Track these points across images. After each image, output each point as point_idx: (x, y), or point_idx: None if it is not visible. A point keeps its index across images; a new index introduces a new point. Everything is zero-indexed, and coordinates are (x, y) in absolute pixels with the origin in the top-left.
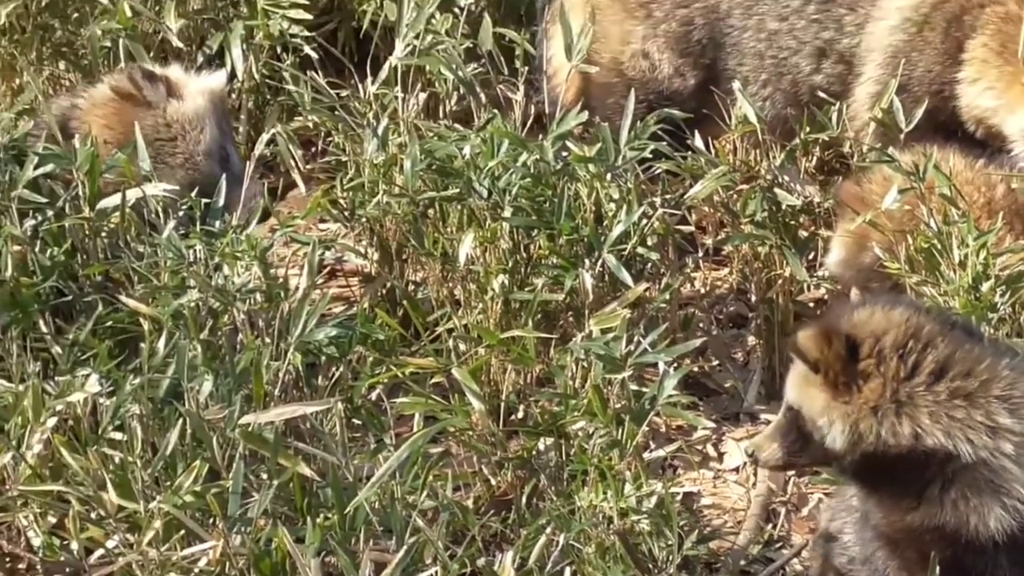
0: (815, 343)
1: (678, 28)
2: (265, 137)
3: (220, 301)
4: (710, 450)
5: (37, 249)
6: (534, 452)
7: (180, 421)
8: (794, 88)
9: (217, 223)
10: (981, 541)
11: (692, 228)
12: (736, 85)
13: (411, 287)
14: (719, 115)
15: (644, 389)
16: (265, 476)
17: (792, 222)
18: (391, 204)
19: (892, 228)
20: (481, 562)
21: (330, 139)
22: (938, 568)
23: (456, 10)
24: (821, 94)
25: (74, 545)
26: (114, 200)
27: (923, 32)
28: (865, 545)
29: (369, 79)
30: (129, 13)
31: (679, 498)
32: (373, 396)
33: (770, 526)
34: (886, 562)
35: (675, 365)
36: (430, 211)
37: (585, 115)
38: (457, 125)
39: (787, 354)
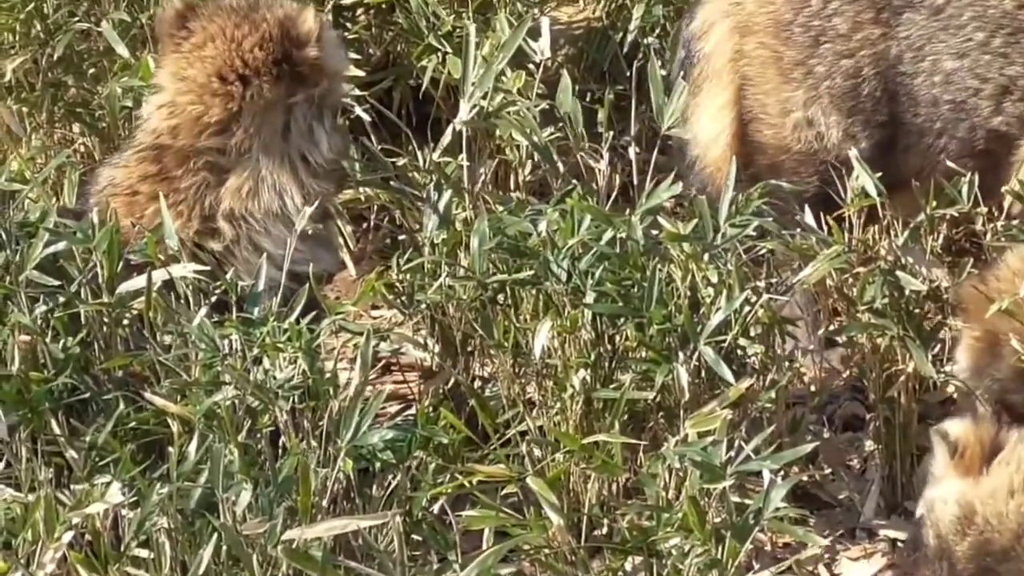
0: (967, 429)
1: (844, 84)
2: (309, 211)
3: (260, 399)
4: (822, 571)
5: (49, 339)
6: (621, 573)
7: (214, 536)
8: (971, 135)
9: (256, 310)
10: None
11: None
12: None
13: (478, 384)
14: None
15: (747, 501)
16: None
17: (916, 310)
18: (455, 288)
19: None
20: None
21: (385, 214)
22: None
23: (531, 66)
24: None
25: None
26: (137, 283)
27: None
28: None
29: (430, 145)
30: (153, 68)
31: None
32: (436, 508)
33: None
34: None
35: (782, 474)
36: (500, 296)
37: (679, 187)
38: (531, 198)
39: (909, 460)
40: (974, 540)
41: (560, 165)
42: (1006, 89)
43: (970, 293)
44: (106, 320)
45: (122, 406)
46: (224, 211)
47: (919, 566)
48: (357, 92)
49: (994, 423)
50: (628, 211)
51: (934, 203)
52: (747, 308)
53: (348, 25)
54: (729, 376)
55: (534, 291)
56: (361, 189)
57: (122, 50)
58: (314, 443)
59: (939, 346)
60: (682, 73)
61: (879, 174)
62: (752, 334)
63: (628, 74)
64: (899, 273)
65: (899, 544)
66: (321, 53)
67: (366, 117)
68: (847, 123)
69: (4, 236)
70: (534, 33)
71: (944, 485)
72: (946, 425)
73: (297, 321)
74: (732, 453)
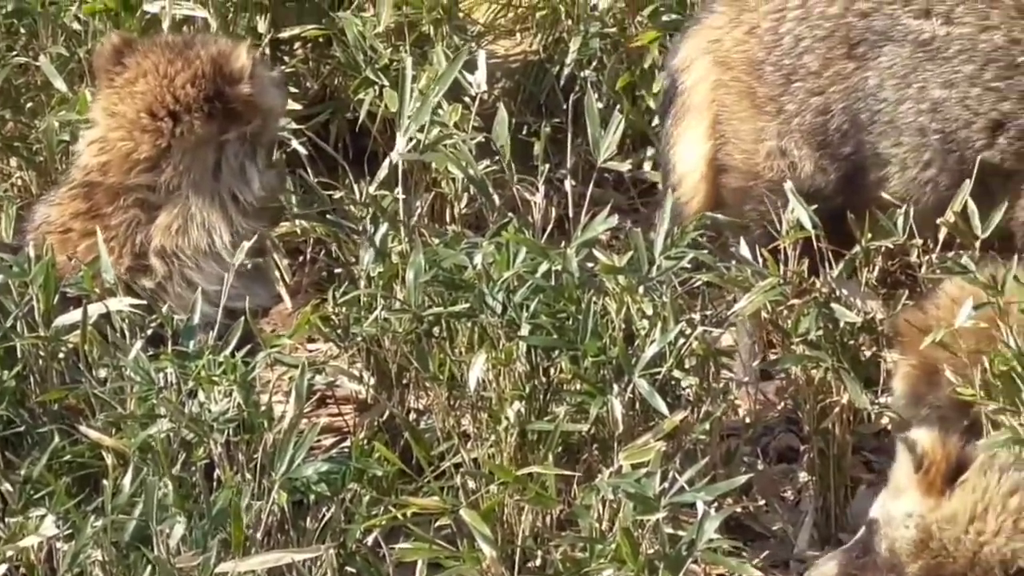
0: (933, 439)
1: (814, 120)
2: (247, 245)
3: (194, 432)
4: None
5: None
6: None
7: (148, 569)
8: (961, 164)
9: (191, 343)
10: None
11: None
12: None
13: (413, 416)
14: (866, 208)
15: (681, 532)
16: None
17: (851, 342)
18: (391, 321)
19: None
20: None
21: (321, 247)
22: None
23: (467, 99)
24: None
25: None
26: (73, 316)
27: None
28: None
29: (366, 178)
30: (89, 103)
31: None
32: (369, 540)
33: None
34: None
35: (716, 505)
36: (436, 329)
37: (615, 219)
38: (467, 231)
39: (846, 490)
40: (927, 563)
41: (496, 198)
42: (999, 124)
43: (907, 323)
44: (42, 353)
45: (57, 439)
46: (155, 248)
47: (867, 570)
48: (294, 125)
49: (962, 438)
50: (563, 244)
51: (869, 235)
52: (682, 340)
53: (285, 59)
54: (663, 408)
55: (469, 324)
56: (297, 222)
57: (60, 84)
58: (248, 476)
59: (874, 378)
60: (667, 101)
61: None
62: (687, 366)
63: (564, 107)
64: (834, 305)
65: None
66: (254, 90)
67: (303, 150)
68: (815, 157)
69: None
70: (471, 66)
71: (905, 500)
72: (914, 434)
73: (232, 354)
74: (666, 485)
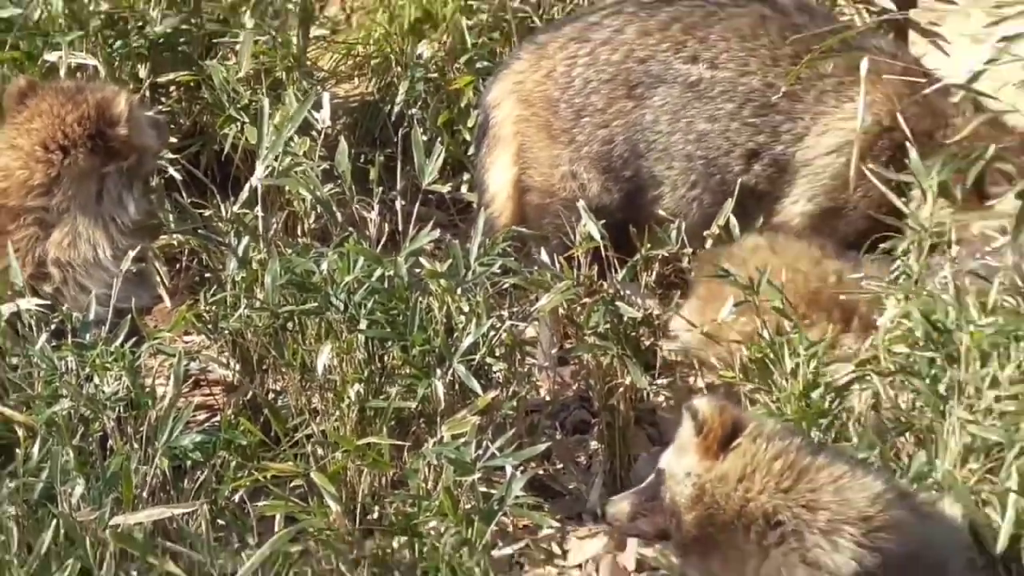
0: (712, 407)
1: (600, 149)
2: (132, 254)
3: (91, 409)
4: (555, 548)
5: None
6: (389, 551)
7: (54, 522)
8: (722, 186)
9: (87, 336)
10: None
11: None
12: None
13: (272, 396)
14: (646, 222)
15: (492, 491)
16: (135, 575)
17: (633, 333)
18: (252, 318)
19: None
20: None
21: (194, 256)
22: None
23: (313, 133)
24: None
25: None
26: None
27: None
28: None
29: (231, 199)
30: None
31: None
32: (236, 498)
33: None
34: None
35: (522, 468)
36: (289, 324)
37: (436, 233)
38: (315, 243)
39: (626, 457)
40: (701, 513)
41: (338, 215)
42: (755, 153)
43: (708, 257)
44: None
45: None
46: (52, 259)
47: (655, 512)
48: (170, 155)
49: (736, 407)
50: (395, 253)
51: (648, 245)
52: (493, 332)
53: (163, 99)
54: (478, 389)
55: (317, 319)
56: (174, 236)
57: None
58: (136, 445)
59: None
60: (479, 135)
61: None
62: (497, 354)
63: (395, 139)
64: (619, 303)
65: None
66: (130, 132)
67: (178, 176)
68: (601, 179)
69: None
70: (317, 106)
71: (686, 460)
72: (697, 403)
73: (121, 345)
74: (480, 452)
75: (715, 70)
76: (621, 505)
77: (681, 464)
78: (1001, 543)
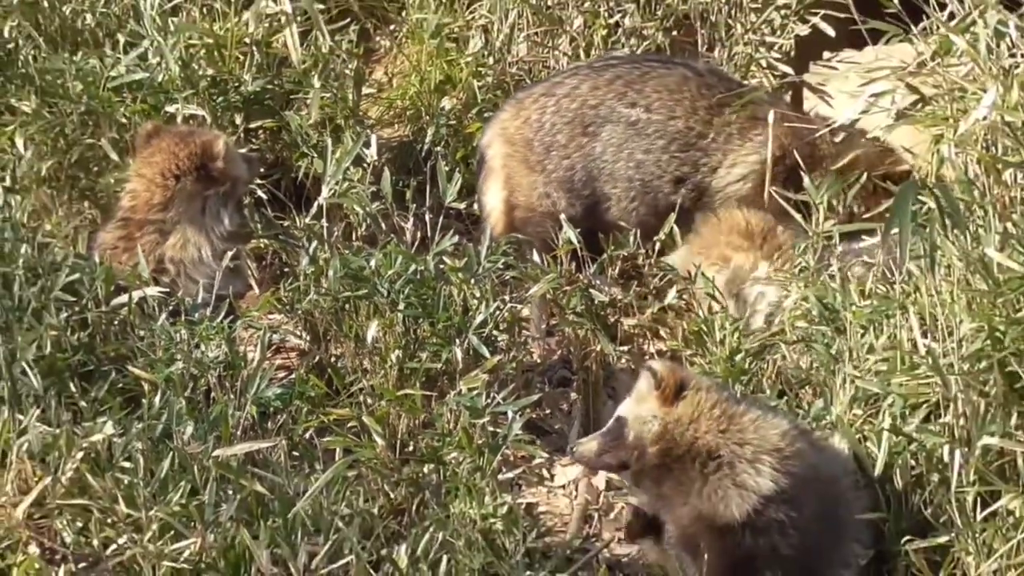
0: (666, 368)
1: (565, 174)
2: (230, 253)
3: (198, 369)
4: (544, 473)
5: (69, 333)
6: (421, 475)
7: (170, 454)
8: (655, 203)
9: (196, 315)
10: (728, 522)
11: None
12: (563, 218)
13: (333, 359)
14: (601, 229)
15: (498, 430)
16: (231, 492)
17: (602, 313)
18: (319, 301)
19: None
20: (383, 553)
21: (276, 256)
22: (706, 551)
23: (364, 165)
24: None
25: (95, 542)
26: (123, 298)
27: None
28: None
29: (304, 213)
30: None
31: (523, 507)
32: (307, 436)
33: (587, 527)
34: (680, 550)
35: (519, 413)
36: (347, 306)
37: (456, 239)
38: (366, 246)
39: (600, 402)
40: (662, 447)
41: (383, 225)
42: (680, 180)
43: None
44: (104, 322)
45: (113, 375)
46: (168, 258)
47: (619, 448)
48: (260, 181)
49: (684, 368)
50: (425, 254)
51: (612, 247)
52: (498, 312)
53: (253, 140)
54: (487, 354)
55: (367, 302)
56: (262, 240)
57: (114, 156)
58: (232, 396)
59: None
60: (477, 167)
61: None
62: (501, 328)
63: (424, 169)
64: (591, 290)
65: None
66: (226, 165)
67: (265, 196)
68: (567, 197)
69: (41, 270)
70: (367, 144)
71: (647, 406)
72: (654, 364)
73: (221, 322)
74: (488, 400)
75: (650, 113)
76: (589, 445)
77: (642, 410)
78: (878, 468)
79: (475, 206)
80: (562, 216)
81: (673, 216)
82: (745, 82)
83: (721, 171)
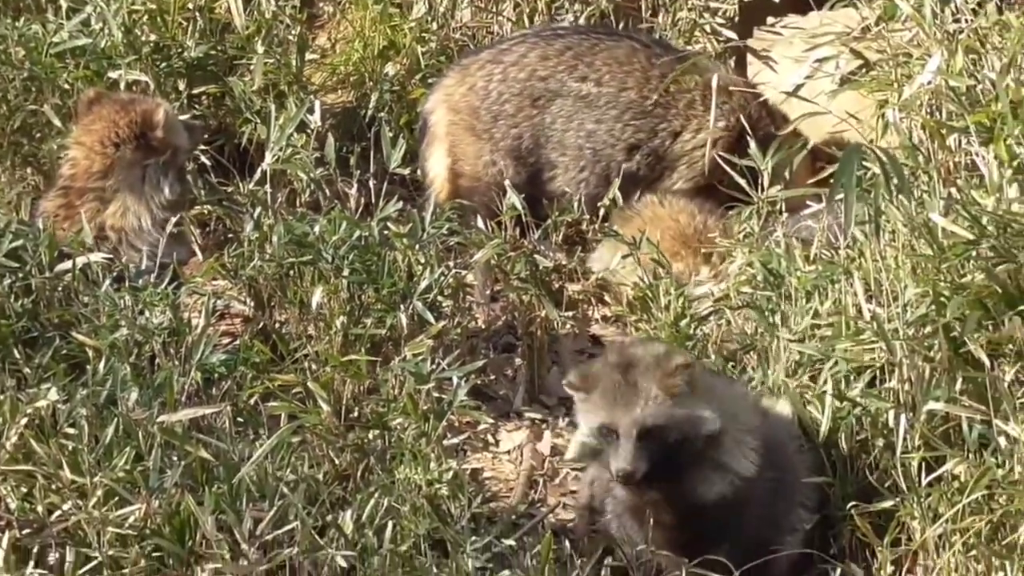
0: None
1: (512, 143)
2: (173, 220)
3: (142, 336)
4: (489, 438)
5: (12, 300)
6: (366, 441)
7: (115, 420)
8: (606, 171)
9: (140, 281)
10: (702, 503)
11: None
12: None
13: (278, 325)
14: (545, 196)
15: (443, 396)
16: (176, 458)
17: (546, 279)
18: (263, 267)
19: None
20: (329, 518)
21: (220, 222)
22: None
23: (308, 131)
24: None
25: (39, 508)
26: (67, 265)
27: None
28: (616, 510)
29: (247, 179)
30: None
31: (468, 473)
32: (252, 402)
33: (533, 492)
34: (631, 522)
35: (464, 379)
36: (291, 272)
37: (400, 205)
38: (310, 212)
39: (545, 368)
40: None
41: (327, 191)
42: (635, 147)
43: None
44: (47, 288)
45: (58, 341)
46: (109, 225)
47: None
48: (203, 148)
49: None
50: (369, 220)
51: (557, 213)
52: (442, 278)
53: (196, 106)
54: (432, 319)
55: (312, 268)
56: (205, 207)
57: (57, 122)
58: (176, 363)
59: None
60: (420, 133)
61: (529, 193)
62: (446, 293)
63: (368, 135)
64: (536, 256)
65: (535, 421)
66: (166, 134)
67: (208, 162)
68: (513, 165)
69: None
70: (311, 111)
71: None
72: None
73: (166, 288)
74: (434, 366)
75: (600, 87)
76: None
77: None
78: (823, 433)
79: (419, 172)
80: (507, 182)
81: (618, 182)
82: (689, 49)
83: (685, 135)
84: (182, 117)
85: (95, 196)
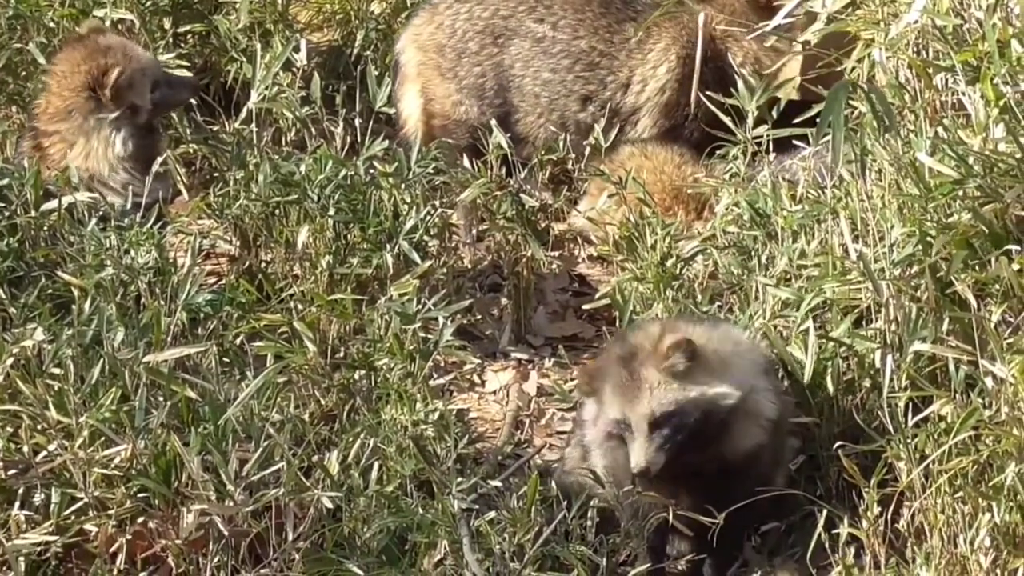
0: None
1: (475, 81)
2: (159, 159)
3: (128, 275)
4: (475, 379)
5: None
6: (352, 381)
7: (101, 360)
8: (562, 120)
9: (125, 221)
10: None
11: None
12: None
13: (263, 265)
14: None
15: (429, 336)
16: (161, 398)
17: (532, 218)
18: (249, 206)
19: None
20: (315, 459)
21: (206, 160)
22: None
23: (294, 70)
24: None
25: (25, 448)
26: (53, 204)
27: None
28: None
29: (233, 118)
30: None
31: (454, 413)
32: (238, 342)
33: (518, 433)
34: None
35: (450, 319)
36: (277, 211)
37: (386, 144)
38: (295, 151)
39: (531, 307)
40: None
41: (312, 130)
42: (587, 98)
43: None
44: (33, 227)
45: (43, 281)
46: (76, 167)
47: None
48: None
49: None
50: (355, 159)
51: (543, 152)
52: (429, 217)
53: (182, 44)
54: (417, 259)
55: (297, 207)
56: (191, 145)
57: (42, 61)
58: (162, 302)
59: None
60: (393, 73)
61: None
62: (432, 233)
63: (354, 74)
64: (522, 195)
65: (521, 361)
66: (116, 94)
67: (193, 101)
68: (479, 105)
69: None
70: (296, 49)
71: None
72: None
73: (151, 228)
74: (419, 306)
75: (556, 31)
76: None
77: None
78: (807, 374)
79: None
80: (487, 120)
81: (602, 122)
82: None
83: (634, 86)
84: (180, 72)
85: (60, 138)
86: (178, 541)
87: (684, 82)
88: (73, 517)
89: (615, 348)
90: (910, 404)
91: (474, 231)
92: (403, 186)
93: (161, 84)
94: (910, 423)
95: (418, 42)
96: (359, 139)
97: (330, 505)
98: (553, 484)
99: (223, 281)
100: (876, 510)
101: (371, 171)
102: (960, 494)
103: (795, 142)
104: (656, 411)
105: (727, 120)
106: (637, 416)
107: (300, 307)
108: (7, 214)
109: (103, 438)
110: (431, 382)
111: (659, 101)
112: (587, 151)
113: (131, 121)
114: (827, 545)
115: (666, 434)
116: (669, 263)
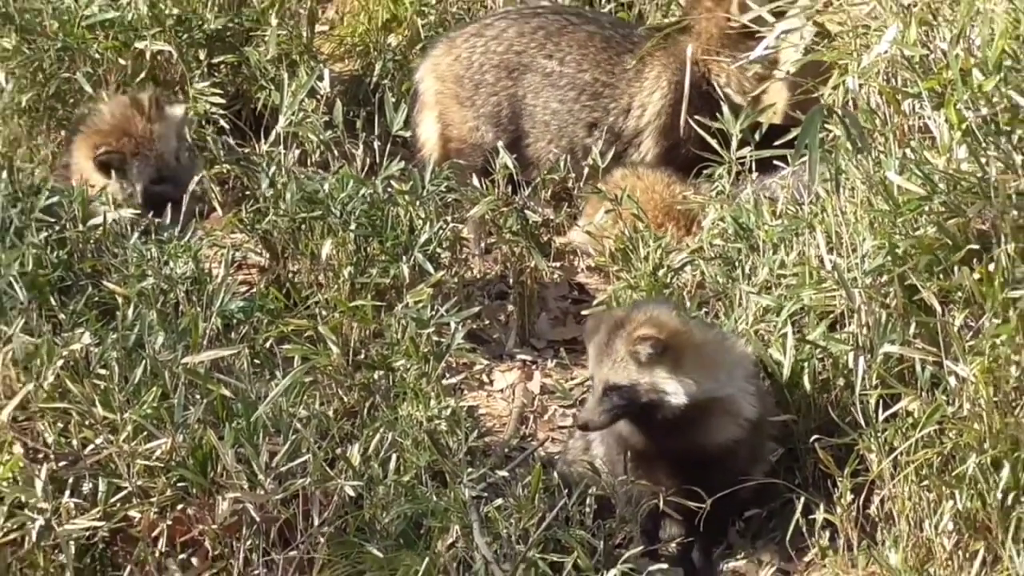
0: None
1: (492, 110)
2: (196, 178)
3: (168, 284)
4: (484, 378)
5: (49, 251)
6: (372, 380)
7: (143, 362)
8: (571, 146)
9: (166, 234)
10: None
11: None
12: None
13: (291, 275)
14: (524, 160)
15: (442, 339)
16: (198, 396)
17: (536, 232)
18: (278, 221)
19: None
20: (338, 452)
21: (238, 180)
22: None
23: (318, 97)
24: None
25: (75, 442)
26: (99, 219)
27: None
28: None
29: (263, 141)
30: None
31: (465, 410)
32: (267, 345)
33: (523, 427)
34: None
35: (462, 324)
36: (303, 226)
37: (402, 164)
38: (320, 171)
39: (535, 313)
40: None
41: (335, 152)
42: (593, 125)
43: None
44: (80, 241)
45: (90, 289)
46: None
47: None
48: (221, 111)
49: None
50: (374, 178)
51: (545, 172)
52: (441, 231)
53: (215, 74)
54: (431, 269)
55: (321, 223)
56: (224, 166)
57: (88, 89)
58: (199, 309)
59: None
60: (411, 100)
61: (518, 158)
62: (444, 246)
63: (373, 101)
64: (526, 211)
65: (526, 362)
66: (97, 165)
67: (226, 125)
68: (494, 131)
69: (21, 192)
70: (320, 78)
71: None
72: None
73: (188, 241)
74: (433, 312)
75: (562, 66)
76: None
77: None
78: (786, 374)
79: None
80: (499, 144)
81: (600, 143)
82: (642, 26)
83: (634, 111)
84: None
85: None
86: (214, 526)
87: (676, 106)
88: (118, 504)
89: (615, 313)
90: (880, 401)
91: (483, 244)
92: (418, 203)
93: (167, 179)
94: (880, 418)
95: (437, 72)
96: (378, 160)
97: (352, 493)
98: (555, 474)
99: (254, 290)
100: (849, 498)
101: (388, 189)
102: (926, 483)
103: (776, 162)
104: (610, 380)
105: (714, 142)
106: (598, 378)
107: (324, 313)
108: (57, 229)
109: (145, 432)
110: (444, 381)
111: (658, 124)
112: (586, 172)
113: (138, 179)
114: (804, 529)
115: (615, 402)
116: (660, 273)
